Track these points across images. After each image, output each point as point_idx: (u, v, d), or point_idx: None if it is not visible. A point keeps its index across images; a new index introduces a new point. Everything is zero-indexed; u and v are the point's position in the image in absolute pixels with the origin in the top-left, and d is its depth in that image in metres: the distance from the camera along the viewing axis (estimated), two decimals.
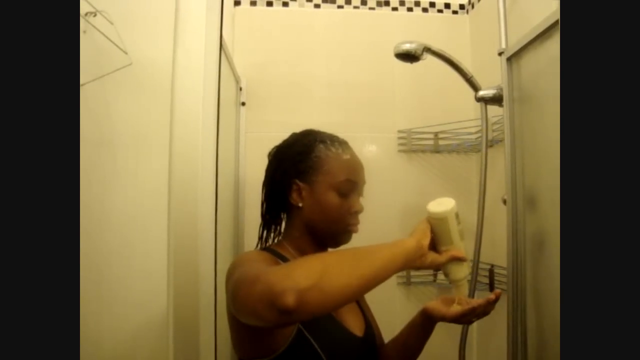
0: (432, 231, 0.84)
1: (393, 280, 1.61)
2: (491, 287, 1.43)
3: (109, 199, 1.10)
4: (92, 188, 1.06)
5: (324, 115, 1.60)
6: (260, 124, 1.60)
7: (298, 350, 0.78)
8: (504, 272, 1.21)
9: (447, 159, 1.67)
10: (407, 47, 1.26)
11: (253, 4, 1.65)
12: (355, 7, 1.70)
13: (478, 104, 1.37)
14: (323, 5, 1.68)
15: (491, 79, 1.25)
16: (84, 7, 0.98)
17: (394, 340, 0.99)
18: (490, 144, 1.44)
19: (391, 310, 1.58)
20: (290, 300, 0.57)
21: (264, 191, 0.96)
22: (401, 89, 1.67)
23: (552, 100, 0.90)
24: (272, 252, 0.88)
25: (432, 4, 1.72)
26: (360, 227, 0.93)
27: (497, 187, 1.38)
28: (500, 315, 1.04)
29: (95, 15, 1.01)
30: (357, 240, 0.92)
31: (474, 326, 1.60)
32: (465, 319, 0.88)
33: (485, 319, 0.91)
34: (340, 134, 0.96)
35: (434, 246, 0.85)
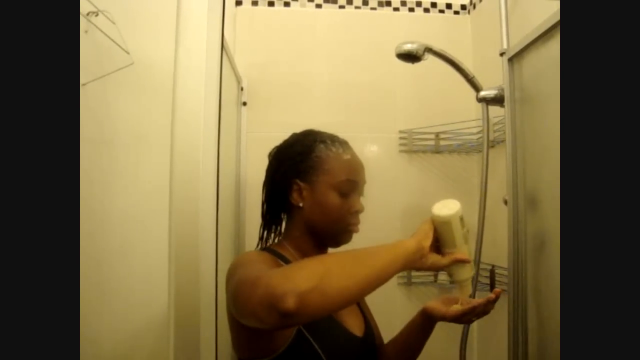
0: (436, 233, 0.83)
1: (393, 280, 1.60)
2: (492, 287, 1.43)
3: (110, 198, 1.10)
4: (93, 188, 1.06)
5: (325, 115, 1.61)
6: (261, 123, 1.60)
7: (298, 350, 0.78)
8: (505, 272, 1.21)
9: (448, 159, 1.67)
10: (408, 47, 1.26)
11: (254, 3, 1.65)
12: (356, 7, 1.70)
13: (479, 105, 1.37)
14: (324, 5, 1.68)
15: (492, 80, 1.25)
16: (86, 7, 0.98)
17: (394, 340, 0.99)
18: (492, 144, 1.44)
19: (392, 311, 1.58)
20: (290, 303, 0.58)
21: (264, 191, 0.96)
22: (402, 89, 1.67)
23: (553, 101, 0.90)
24: (272, 252, 0.88)
25: (434, 4, 1.72)
26: (360, 227, 0.93)
27: (498, 187, 1.37)
28: (500, 315, 1.04)
29: (97, 15, 1.01)
30: (357, 240, 0.92)
31: (475, 326, 1.60)
32: (466, 318, 0.88)
33: (486, 318, 0.91)
34: (341, 134, 0.97)
35: (437, 247, 0.85)
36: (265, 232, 0.96)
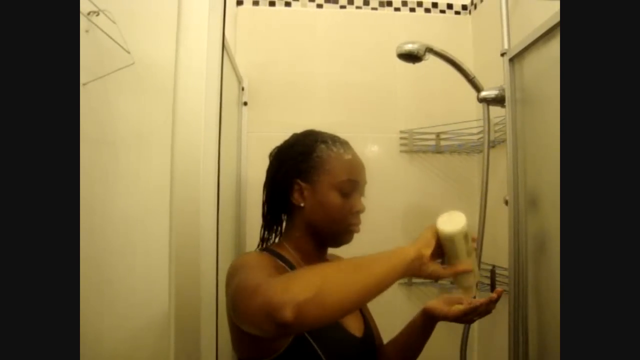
0: (439, 243, 0.80)
1: None
2: (492, 287, 1.43)
3: (111, 198, 1.10)
4: (94, 187, 1.06)
5: (326, 115, 1.60)
6: (262, 123, 1.60)
7: (297, 351, 0.78)
8: (506, 272, 1.21)
9: (449, 159, 1.67)
10: (409, 47, 1.26)
11: (255, 3, 1.65)
12: (357, 7, 1.70)
13: (480, 105, 1.37)
14: (325, 5, 1.68)
15: (493, 80, 1.25)
16: (86, 7, 0.98)
17: (394, 341, 0.99)
18: (492, 144, 1.44)
19: (392, 311, 1.58)
20: (288, 314, 0.58)
21: (265, 191, 0.96)
22: (403, 89, 1.67)
23: (554, 101, 0.90)
24: (272, 252, 0.88)
25: (435, 5, 1.72)
26: (361, 227, 0.92)
27: (499, 187, 1.37)
28: (501, 316, 1.04)
29: (98, 15, 1.01)
30: (358, 240, 0.93)
31: (475, 326, 1.60)
32: (468, 317, 0.88)
33: (486, 319, 0.91)
34: (342, 134, 0.97)
35: (440, 254, 0.81)
36: (266, 233, 0.96)
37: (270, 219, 0.96)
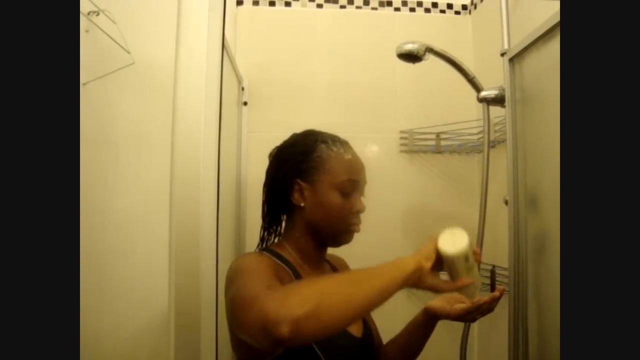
0: (440, 256, 0.79)
1: None
2: (492, 287, 1.43)
3: (111, 198, 1.10)
4: (94, 187, 1.06)
5: (326, 115, 1.60)
6: (262, 123, 1.60)
7: (297, 351, 0.78)
8: (506, 272, 1.21)
9: (449, 159, 1.67)
10: (409, 47, 1.26)
11: (255, 3, 1.65)
12: (357, 7, 1.70)
13: (480, 105, 1.37)
14: (325, 5, 1.68)
15: (493, 80, 1.25)
16: (86, 7, 0.98)
17: (394, 340, 0.99)
18: (492, 144, 1.44)
19: (392, 311, 1.57)
20: (284, 330, 0.58)
21: (264, 192, 0.96)
22: (403, 89, 1.67)
23: (554, 101, 0.90)
24: (272, 252, 0.88)
25: (435, 5, 1.72)
26: (361, 227, 0.93)
27: (499, 187, 1.37)
28: (501, 316, 1.04)
29: (98, 15, 1.01)
30: (358, 240, 0.93)
31: (475, 326, 1.60)
32: (470, 316, 0.88)
33: (486, 318, 0.91)
34: (342, 134, 0.97)
35: (440, 267, 0.81)
36: (266, 233, 0.96)
37: (270, 219, 0.96)
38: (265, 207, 0.96)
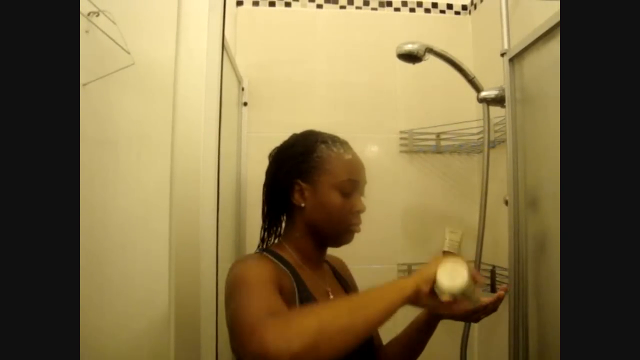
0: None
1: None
2: (492, 287, 1.43)
3: (112, 198, 1.10)
4: (95, 187, 1.06)
5: (326, 116, 1.61)
6: (262, 124, 1.60)
7: None
8: (506, 272, 1.21)
9: (449, 159, 1.67)
10: (409, 47, 1.26)
11: (255, 4, 1.65)
12: (357, 8, 1.70)
13: (480, 105, 1.37)
14: (325, 5, 1.68)
15: (493, 80, 1.25)
16: (86, 7, 0.98)
17: (395, 340, 0.99)
18: (492, 144, 1.44)
19: None
20: None
21: (264, 192, 0.96)
22: (403, 89, 1.67)
23: (554, 101, 0.90)
24: (272, 253, 0.88)
25: (435, 5, 1.72)
26: (361, 227, 0.93)
27: (499, 187, 1.37)
28: (501, 316, 1.04)
29: (98, 15, 1.01)
30: (358, 240, 0.93)
31: (475, 326, 1.60)
32: (475, 316, 0.88)
33: (487, 318, 0.91)
34: (342, 134, 0.97)
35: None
36: (266, 233, 0.96)
37: (270, 220, 0.96)
38: (265, 208, 0.96)
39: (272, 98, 1.62)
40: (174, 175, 0.62)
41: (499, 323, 1.33)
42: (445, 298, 0.73)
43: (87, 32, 1.03)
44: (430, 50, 1.27)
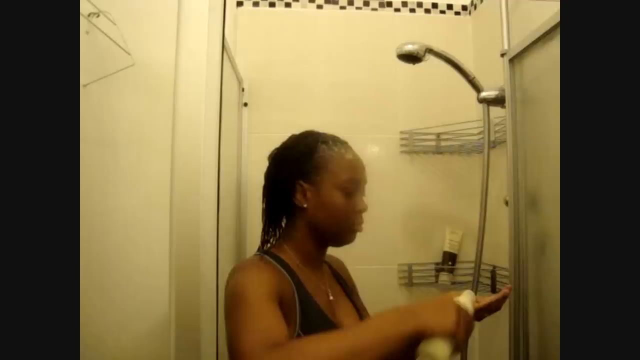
0: None
1: (395, 281, 1.61)
2: (493, 287, 1.43)
3: (112, 198, 1.10)
4: (96, 188, 1.06)
5: (326, 116, 1.61)
6: (262, 124, 1.60)
7: None
8: (506, 273, 1.21)
9: (449, 160, 1.67)
10: (409, 48, 1.26)
11: (255, 4, 1.65)
12: (357, 8, 1.70)
13: (480, 105, 1.37)
14: (325, 6, 1.68)
15: (493, 80, 1.25)
16: (87, 8, 0.98)
17: None
18: (493, 145, 1.44)
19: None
20: None
21: (265, 194, 0.96)
22: (403, 90, 1.67)
23: (554, 102, 0.90)
24: (272, 256, 0.87)
25: (435, 5, 1.73)
26: (362, 227, 0.93)
27: (499, 188, 1.37)
28: (501, 316, 1.04)
29: (98, 16, 1.01)
30: (358, 240, 0.92)
31: (476, 326, 1.60)
32: (478, 314, 0.88)
33: (487, 318, 0.91)
34: (343, 134, 0.97)
35: None
36: (267, 235, 0.96)
37: (271, 221, 0.96)
38: (266, 209, 0.96)
39: (272, 99, 1.62)
40: (174, 175, 0.62)
41: (500, 323, 1.33)
42: None
43: (87, 33, 1.03)
44: (430, 50, 1.27)
